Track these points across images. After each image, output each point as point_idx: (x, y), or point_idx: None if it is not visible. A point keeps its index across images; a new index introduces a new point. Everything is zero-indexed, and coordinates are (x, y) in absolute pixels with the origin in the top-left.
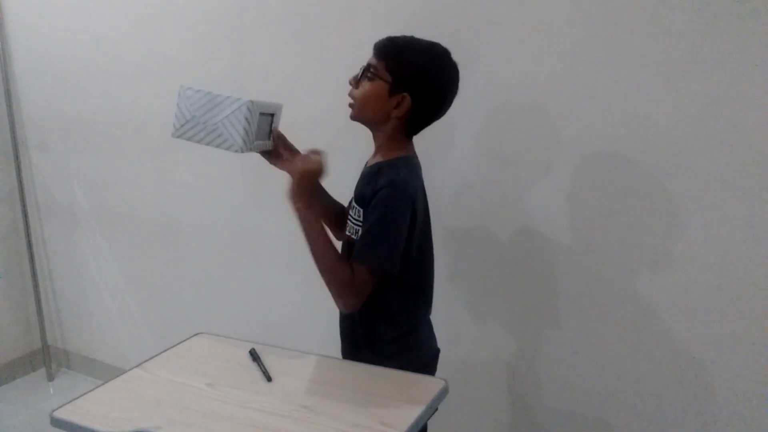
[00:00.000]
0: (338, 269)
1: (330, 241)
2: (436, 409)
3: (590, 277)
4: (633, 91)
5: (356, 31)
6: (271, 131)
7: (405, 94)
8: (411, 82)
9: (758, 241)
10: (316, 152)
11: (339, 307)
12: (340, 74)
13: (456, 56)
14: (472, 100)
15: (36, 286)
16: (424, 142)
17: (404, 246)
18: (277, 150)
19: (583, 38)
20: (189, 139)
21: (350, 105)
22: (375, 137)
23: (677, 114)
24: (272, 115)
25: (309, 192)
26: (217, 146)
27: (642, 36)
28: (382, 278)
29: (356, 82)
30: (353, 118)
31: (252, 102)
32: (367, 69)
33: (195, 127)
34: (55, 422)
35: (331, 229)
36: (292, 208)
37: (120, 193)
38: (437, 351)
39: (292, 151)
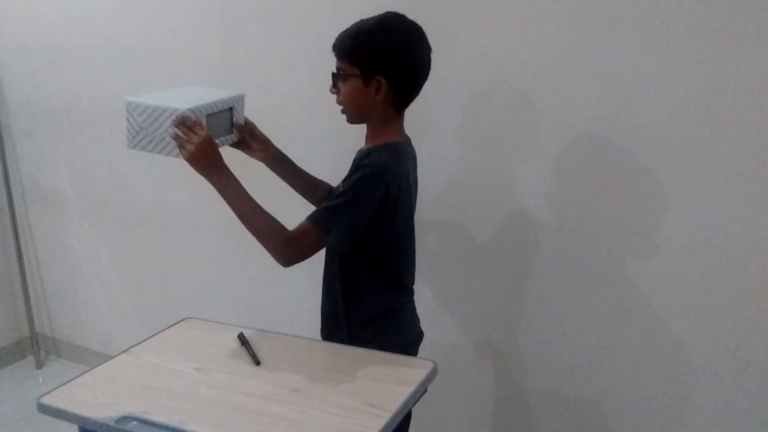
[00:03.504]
0: (270, 227)
1: (255, 204)
2: (425, 391)
3: (577, 259)
4: (621, 74)
5: (343, 11)
6: (233, 124)
7: (379, 78)
8: (378, 65)
9: (744, 226)
10: (191, 126)
11: (277, 261)
12: (326, 56)
13: (438, 37)
14: (457, 82)
15: (23, 273)
16: (406, 125)
17: (366, 228)
18: (245, 140)
19: (571, 20)
20: (142, 149)
21: (342, 112)
22: (367, 126)
23: (667, 99)
24: (230, 109)
25: (213, 163)
26: (168, 154)
27: (630, 17)
28: (341, 254)
29: (334, 89)
30: (350, 122)
31: (191, 110)
32: (335, 73)
33: (144, 138)
34: (42, 408)
35: (313, 203)
36: (210, 182)
37: (107, 179)
38: (419, 335)
39: (260, 138)
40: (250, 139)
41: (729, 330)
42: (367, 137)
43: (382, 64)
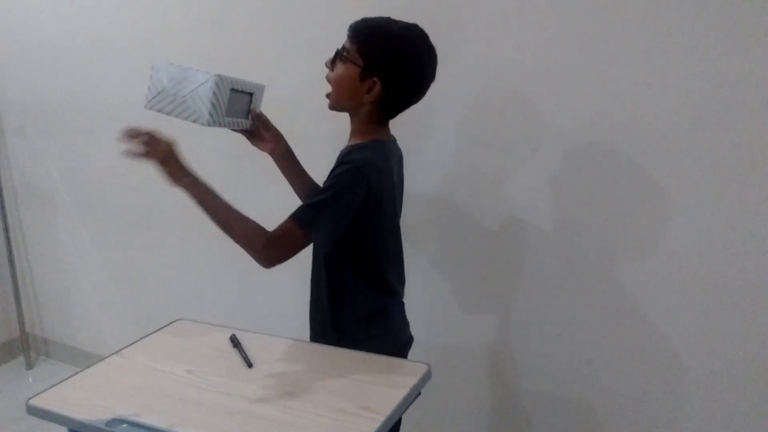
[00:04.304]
0: (250, 230)
1: (231, 207)
2: (419, 394)
3: (573, 262)
4: (619, 78)
5: (340, 9)
6: (249, 111)
7: (375, 79)
8: (382, 67)
9: (740, 230)
10: (148, 132)
11: (259, 263)
12: (323, 55)
13: (438, 40)
14: (454, 84)
15: (14, 273)
16: (405, 127)
17: (350, 226)
18: (258, 131)
19: (568, 21)
20: (159, 110)
21: (327, 95)
22: (351, 121)
23: (664, 101)
24: (251, 94)
25: (180, 168)
26: (185, 118)
27: (627, 20)
28: (327, 253)
29: (331, 64)
30: (330, 107)
31: (220, 76)
32: (340, 51)
33: (165, 99)
34: (32, 410)
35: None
36: (181, 189)
37: (99, 178)
38: (409, 339)
39: (273, 132)
40: (263, 130)
41: (724, 333)
42: (351, 134)
43: (386, 69)
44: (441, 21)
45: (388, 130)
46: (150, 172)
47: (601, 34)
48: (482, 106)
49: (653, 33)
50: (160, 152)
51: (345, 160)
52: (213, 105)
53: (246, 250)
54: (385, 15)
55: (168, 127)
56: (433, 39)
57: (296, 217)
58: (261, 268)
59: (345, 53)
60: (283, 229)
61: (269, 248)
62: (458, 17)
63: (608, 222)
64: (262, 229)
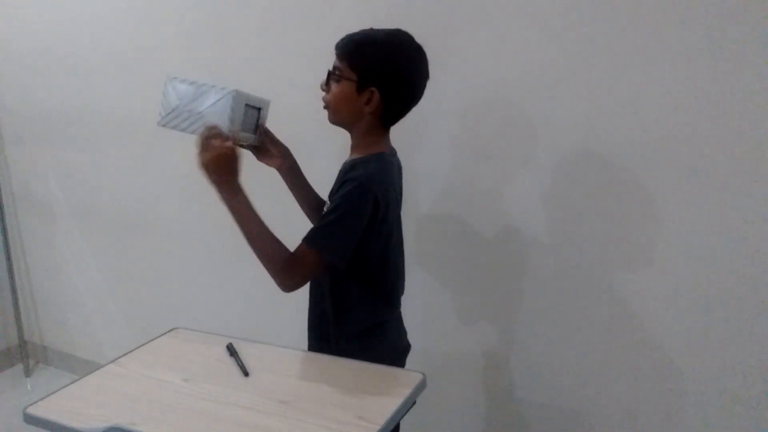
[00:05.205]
0: (274, 250)
1: (263, 224)
2: (414, 403)
3: (568, 271)
4: (613, 88)
5: (337, 23)
6: (257, 126)
7: (373, 88)
8: (376, 76)
9: (736, 239)
10: (219, 136)
11: (279, 287)
12: (321, 68)
13: (433, 49)
14: (448, 95)
15: (12, 280)
16: (399, 136)
17: (358, 242)
18: (264, 146)
19: (561, 33)
20: (174, 127)
21: (325, 108)
22: (351, 135)
23: (658, 111)
24: (259, 109)
25: (228, 178)
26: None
27: (622, 31)
28: (332, 269)
29: (326, 86)
30: (331, 122)
31: (237, 92)
32: (332, 72)
33: (180, 115)
34: (29, 419)
35: (310, 220)
36: (221, 198)
37: (98, 186)
38: (407, 347)
39: (280, 147)
40: (271, 145)
41: (720, 343)
42: (352, 148)
43: (380, 77)
44: (433, 33)
45: (389, 140)
46: (147, 179)
47: (594, 44)
48: (476, 117)
49: (646, 44)
50: (213, 151)
51: (349, 177)
52: (231, 120)
53: (268, 271)
54: (383, 27)
55: (180, 142)
56: (430, 49)
57: (309, 240)
58: (258, 275)
59: (337, 72)
60: (299, 254)
61: (286, 272)
62: (450, 30)
63: (603, 232)
64: (285, 252)
